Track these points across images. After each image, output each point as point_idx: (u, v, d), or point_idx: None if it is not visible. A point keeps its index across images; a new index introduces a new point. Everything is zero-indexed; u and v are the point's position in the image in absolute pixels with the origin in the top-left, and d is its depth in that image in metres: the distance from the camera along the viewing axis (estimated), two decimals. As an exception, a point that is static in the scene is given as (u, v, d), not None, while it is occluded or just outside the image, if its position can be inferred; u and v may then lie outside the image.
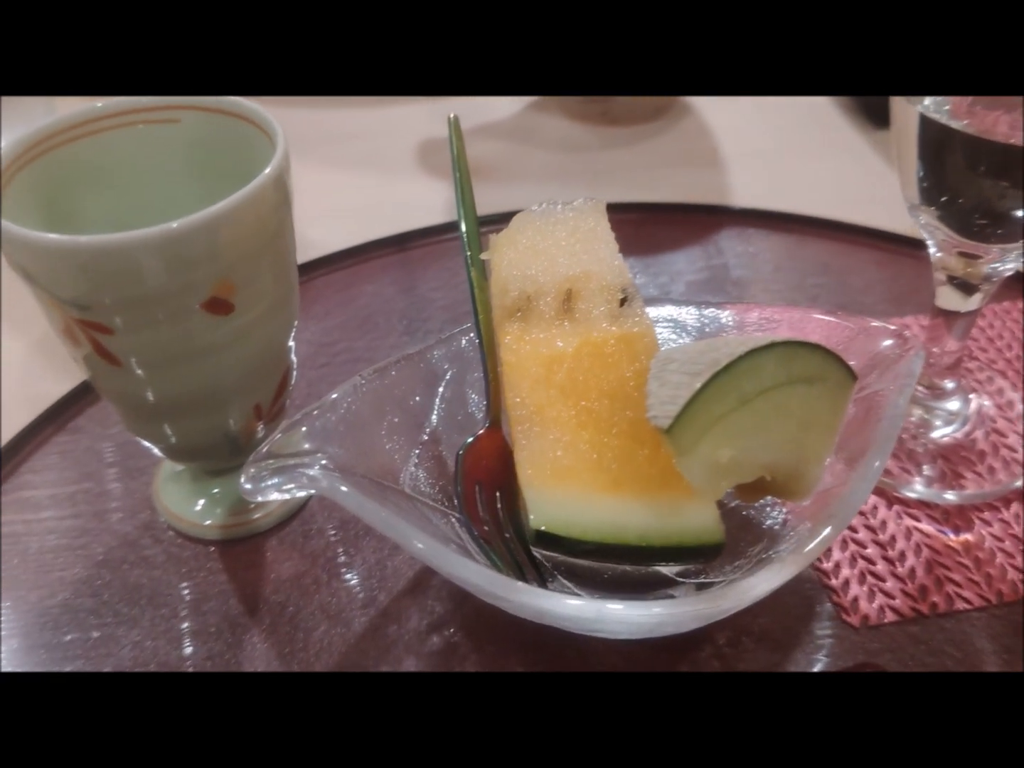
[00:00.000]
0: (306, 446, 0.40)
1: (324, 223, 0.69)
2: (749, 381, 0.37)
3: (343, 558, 0.47)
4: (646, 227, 0.67)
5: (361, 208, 0.72)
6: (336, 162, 0.77)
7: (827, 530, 0.37)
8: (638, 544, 0.39)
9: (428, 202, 0.72)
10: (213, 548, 0.47)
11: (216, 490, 0.48)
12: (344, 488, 0.37)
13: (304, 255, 0.65)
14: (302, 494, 0.39)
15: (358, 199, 0.73)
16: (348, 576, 0.46)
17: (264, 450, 0.39)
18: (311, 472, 0.38)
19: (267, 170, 0.38)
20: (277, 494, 0.39)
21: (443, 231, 0.67)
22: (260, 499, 0.39)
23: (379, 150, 0.79)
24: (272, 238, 0.40)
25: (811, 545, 0.37)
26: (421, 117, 0.82)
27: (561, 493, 0.40)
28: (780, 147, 0.77)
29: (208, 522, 0.47)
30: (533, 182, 0.75)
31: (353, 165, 0.77)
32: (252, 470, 0.39)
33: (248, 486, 0.38)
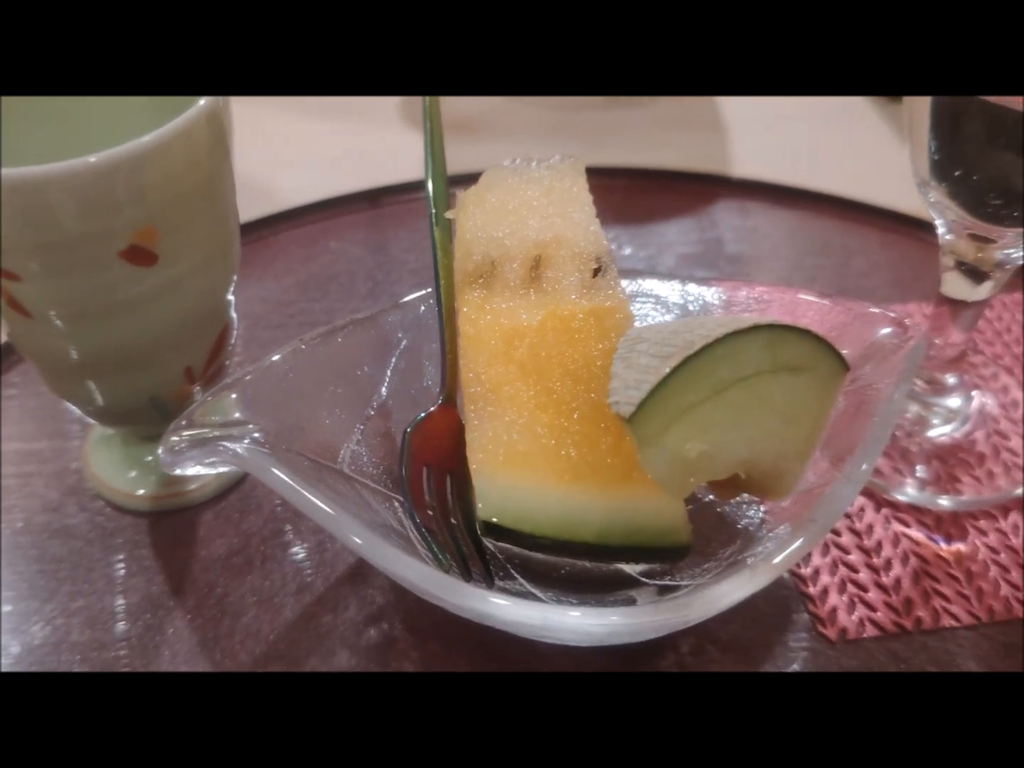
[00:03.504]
0: (236, 415, 0.36)
1: (293, 173, 0.64)
2: (727, 367, 0.33)
3: (280, 538, 0.43)
4: (637, 193, 0.63)
5: (334, 159, 0.67)
6: (310, 108, 0.72)
7: (802, 538, 0.33)
8: (596, 542, 0.35)
9: (407, 156, 0.67)
10: (142, 520, 0.43)
11: (149, 457, 0.44)
12: (273, 469, 0.34)
13: (269, 206, 0.61)
14: (224, 469, 0.35)
15: (332, 148, 0.68)
16: (284, 558, 0.42)
17: (186, 418, 0.35)
18: (235, 447, 0.34)
19: (200, 103, 0.34)
20: (199, 468, 0.35)
21: (420, 188, 0.62)
22: (179, 472, 0.35)
23: (357, 98, 0.74)
24: (205, 181, 0.36)
25: (785, 553, 0.33)
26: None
27: (514, 481, 0.36)
28: (787, 114, 0.72)
29: (140, 492, 0.44)
30: (523, 139, 0.70)
31: (328, 112, 0.72)
32: (172, 439, 0.35)
33: (166, 457, 0.35)
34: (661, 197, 0.63)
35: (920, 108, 0.37)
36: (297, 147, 0.68)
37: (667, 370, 0.31)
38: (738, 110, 0.73)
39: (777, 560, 0.33)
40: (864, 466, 0.35)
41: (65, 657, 0.38)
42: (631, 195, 0.62)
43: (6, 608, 0.40)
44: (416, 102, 0.74)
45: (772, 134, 0.70)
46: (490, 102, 0.74)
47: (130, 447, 0.45)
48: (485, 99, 0.74)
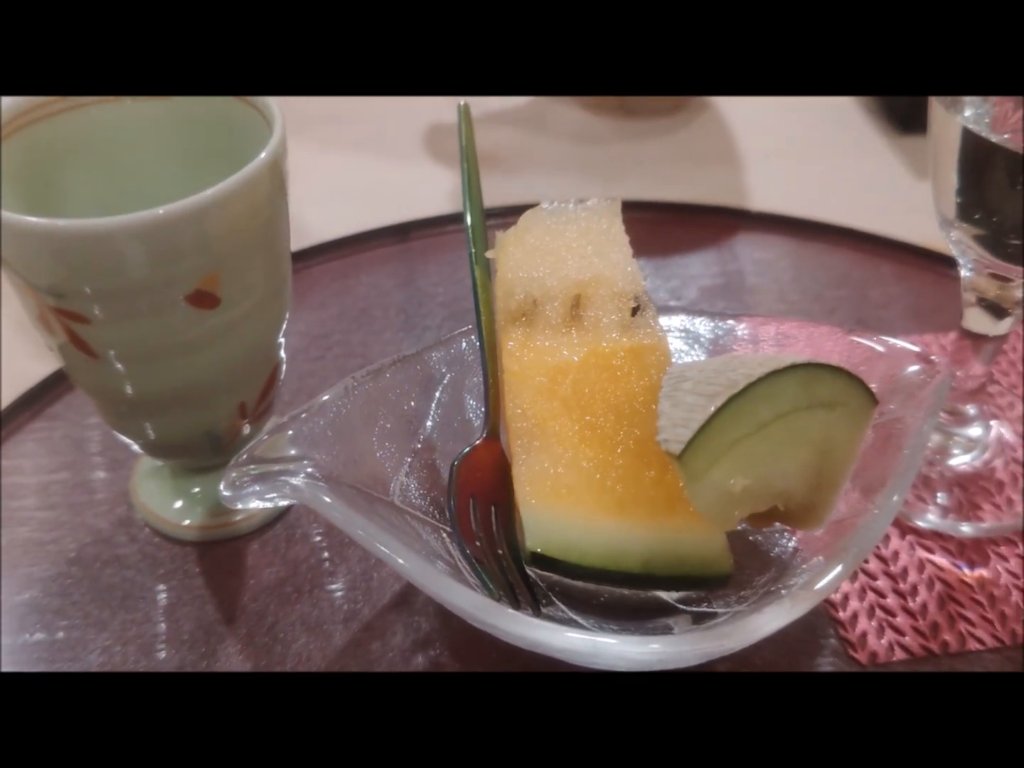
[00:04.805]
0: (291, 452, 0.38)
1: (321, 207, 0.66)
2: (767, 405, 0.34)
3: (327, 566, 0.44)
4: (660, 227, 0.65)
5: (361, 193, 0.69)
6: (337, 143, 0.74)
7: (840, 567, 0.35)
8: (641, 572, 0.37)
9: (432, 190, 0.69)
10: (191, 549, 0.45)
11: (196, 489, 0.46)
12: (329, 500, 0.35)
13: (299, 241, 0.63)
14: (284, 503, 0.37)
15: (358, 183, 0.70)
16: (331, 586, 0.43)
17: (246, 455, 0.37)
18: (294, 481, 0.36)
19: (262, 155, 0.36)
20: (258, 502, 0.36)
21: (446, 222, 0.64)
22: (240, 506, 0.36)
23: (383, 133, 0.76)
24: (264, 228, 0.37)
25: (823, 582, 0.35)
26: (429, 100, 0.79)
27: (561, 513, 0.37)
28: (801, 148, 0.75)
29: (187, 522, 0.45)
30: (544, 173, 0.72)
31: (355, 147, 0.74)
32: (233, 475, 0.36)
33: (228, 493, 0.36)
34: (682, 230, 0.65)
35: (945, 153, 0.39)
36: (320, 181, 0.70)
37: (713, 409, 0.33)
38: (754, 144, 0.75)
39: (816, 588, 0.34)
40: (895, 497, 0.37)
41: (123, 684, 0.40)
42: (654, 228, 0.64)
43: (60, 635, 0.41)
44: (440, 136, 0.76)
45: (788, 168, 0.72)
46: (513, 136, 0.76)
47: (178, 479, 0.46)
48: (503, 133, 0.76)
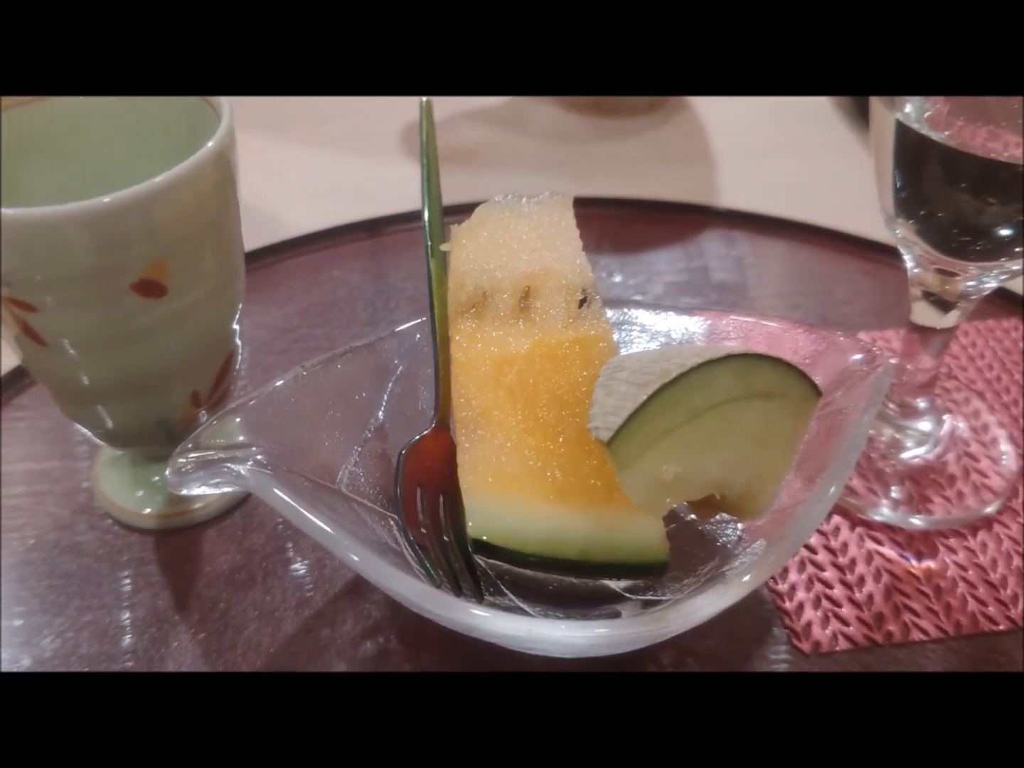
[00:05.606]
0: (240, 438, 0.38)
1: (299, 203, 0.67)
2: (700, 395, 0.35)
3: (282, 555, 0.45)
4: (628, 223, 0.65)
5: (337, 190, 0.70)
6: (316, 142, 0.75)
7: (773, 555, 0.35)
8: (579, 559, 0.37)
9: (407, 187, 0.69)
10: (149, 538, 0.45)
11: (156, 478, 0.46)
12: (274, 489, 0.36)
13: (274, 235, 0.63)
14: (228, 490, 0.38)
15: (336, 180, 0.71)
16: (284, 574, 0.44)
17: (193, 441, 0.37)
18: (239, 468, 0.36)
19: (208, 144, 0.37)
20: (204, 488, 0.37)
21: (417, 218, 0.65)
22: (185, 492, 0.37)
23: (360, 132, 0.76)
24: (212, 218, 0.38)
25: (756, 570, 0.35)
26: (405, 99, 0.80)
27: (502, 501, 0.38)
28: (775, 147, 0.75)
29: (146, 511, 0.46)
30: (519, 171, 0.73)
31: (333, 146, 0.75)
32: (179, 461, 0.37)
33: (173, 478, 0.37)
34: (650, 227, 0.65)
35: (886, 150, 0.39)
36: (299, 178, 0.71)
37: (644, 397, 0.33)
38: (729, 143, 0.75)
39: (748, 577, 0.35)
40: (832, 488, 0.37)
41: (74, 669, 0.40)
42: (621, 225, 0.65)
43: (17, 622, 0.42)
44: (414, 133, 0.76)
45: (757, 167, 0.73)
46: (485, 134, 0.76)
47: (138, 468, 0.47)
48: (480, 130, 0.77)
